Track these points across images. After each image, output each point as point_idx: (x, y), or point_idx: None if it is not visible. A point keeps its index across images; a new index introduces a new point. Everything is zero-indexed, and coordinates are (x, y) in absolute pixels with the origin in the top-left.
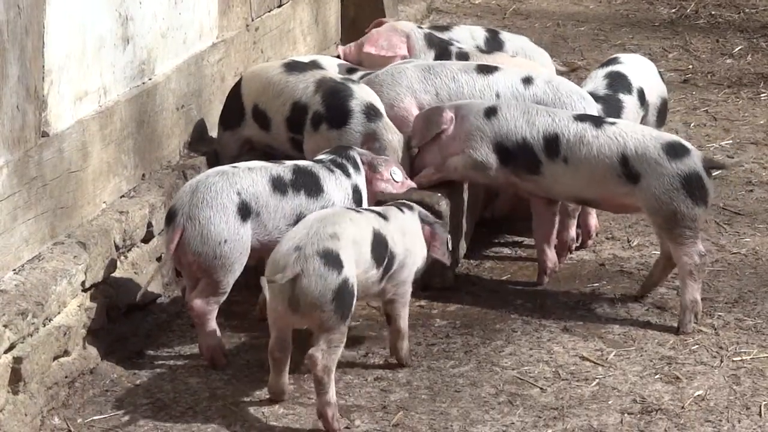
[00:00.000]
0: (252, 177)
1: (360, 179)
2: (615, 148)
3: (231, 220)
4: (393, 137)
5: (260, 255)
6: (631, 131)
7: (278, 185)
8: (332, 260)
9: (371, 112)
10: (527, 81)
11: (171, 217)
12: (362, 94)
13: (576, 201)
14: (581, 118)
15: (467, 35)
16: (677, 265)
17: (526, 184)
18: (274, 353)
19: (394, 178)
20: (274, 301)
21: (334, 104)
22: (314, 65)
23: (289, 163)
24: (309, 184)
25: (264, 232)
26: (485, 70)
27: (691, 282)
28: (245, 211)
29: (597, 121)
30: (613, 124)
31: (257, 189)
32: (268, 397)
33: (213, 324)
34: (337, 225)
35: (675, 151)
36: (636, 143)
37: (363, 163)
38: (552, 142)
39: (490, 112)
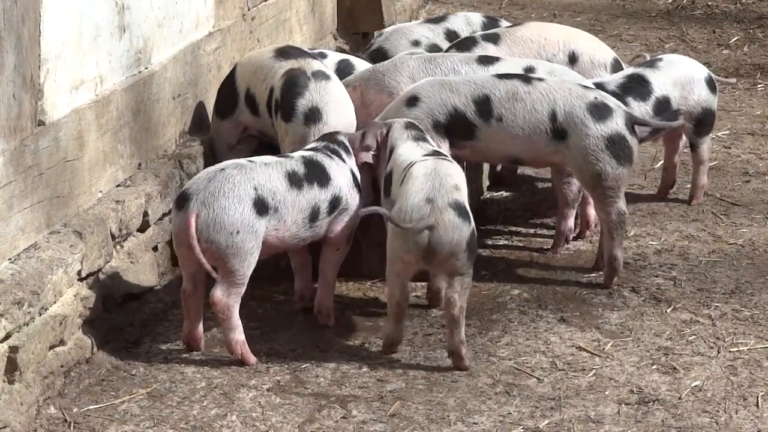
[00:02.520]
0: (269, 172)
1: (352, 162)
2: (546, 104)
3: (246, 212)
4: None
5: (277, 252)
6: (559, 88)
7: (294, 180)
8: (463, 211)
9: (310, 117)
10: (529, 71)
11: (183, 201)
12: (313, 94)
13: (507, 160)
14: (507, 76)
15: (463, 22)
16: (600, 222)
17: (463, 151)
18: (402, 303)
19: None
20: (405, 252)
21: (287, 97)
22: (306, 53)
23: (296, 155)
24: (319, 174)
25: (284, 228)
26: (486, 61)
27: (608, 240)
28: (262, 207)
29: (525, 78)
30: (541, 80)
31: (274, 185)
32: (265, 386)
33: (237, 318)
34: (453, 176)
35: (599, 111)
36: (564, 101)
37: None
38: (484, 104)
39: (413, 100)
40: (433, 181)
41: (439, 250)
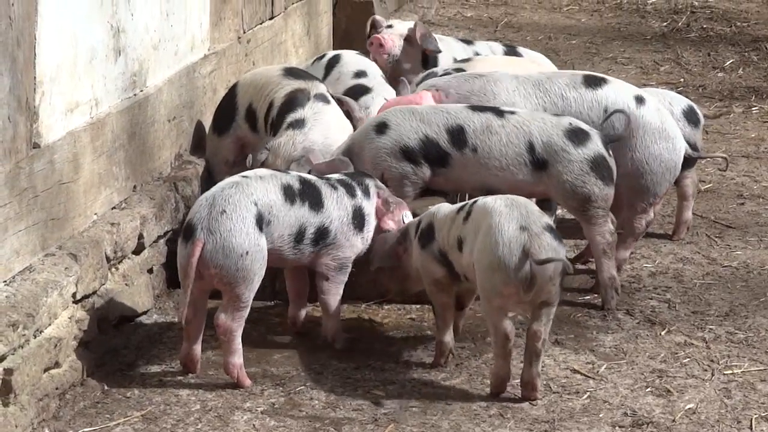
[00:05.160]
0: (265, 186)
1: (367, 204)
2: (522, 136)
3: (251, 231)
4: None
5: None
6: (533, 119)
7: (289, 194)
8: (556, 233)
9: (294, 125)
10: (639, 100)
11: (189, 232)
12: (306, 110)
13: (482, 192)
14: (480, 108)
15: (486, 50)
16: (591, 245)
17: (437, 179)
18: (510, 337)
19: (404, 220)
20: (505, 285)
21: (281, 113)
22: (314, 77)
23: (294, 173)
24: (312, 197)
25: (269, 241)
26: (594, 82)
27: (605, 260)
28: (260, 222)
29: (497, 111)
30: (513, 113)
31: (270, 198)
32: (259, 408)
33: (238, 343)
34: (532, 203)
35: (577, 136)
36: (540, 132)
37: (378, 196)
38: (458, 134)
39: (382, 127)
40: (519, 209)
41: (540, 276)
